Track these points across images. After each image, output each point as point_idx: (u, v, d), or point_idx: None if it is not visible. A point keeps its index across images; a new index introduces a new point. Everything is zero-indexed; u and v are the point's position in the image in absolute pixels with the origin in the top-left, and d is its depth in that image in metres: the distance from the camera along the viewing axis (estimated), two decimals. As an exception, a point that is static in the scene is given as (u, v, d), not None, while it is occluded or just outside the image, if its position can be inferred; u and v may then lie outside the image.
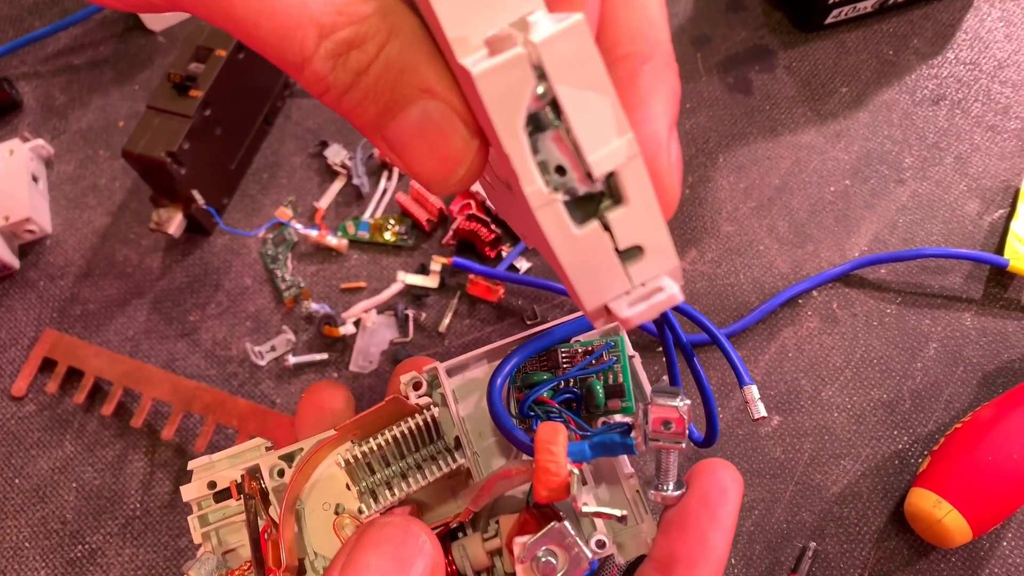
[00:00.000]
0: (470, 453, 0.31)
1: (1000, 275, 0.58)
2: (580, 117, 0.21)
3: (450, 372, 0.32)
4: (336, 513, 0.31)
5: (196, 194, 0.61)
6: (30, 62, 0.76)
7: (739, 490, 0.29)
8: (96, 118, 0.72)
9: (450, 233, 0.62)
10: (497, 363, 0.30)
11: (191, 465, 0.32)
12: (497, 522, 0.30)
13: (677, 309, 0.33)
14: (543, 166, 0.21)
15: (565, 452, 0.27)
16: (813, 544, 0.52)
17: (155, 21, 0.75)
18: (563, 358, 0.30)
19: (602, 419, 0.30)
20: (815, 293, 0.59)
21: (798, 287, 0.59)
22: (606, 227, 0.22)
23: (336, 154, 0.67)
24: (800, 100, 0.66)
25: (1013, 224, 0.59)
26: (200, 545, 0.32)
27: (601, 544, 0.27)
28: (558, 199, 0.21)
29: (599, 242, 0.22)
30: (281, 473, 0.31)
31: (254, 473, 0.31)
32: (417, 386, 0.29)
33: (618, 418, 0.30)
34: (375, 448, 0.27)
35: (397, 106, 0.23)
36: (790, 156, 0.64)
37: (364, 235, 0.64)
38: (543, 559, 0.27)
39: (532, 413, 0.29)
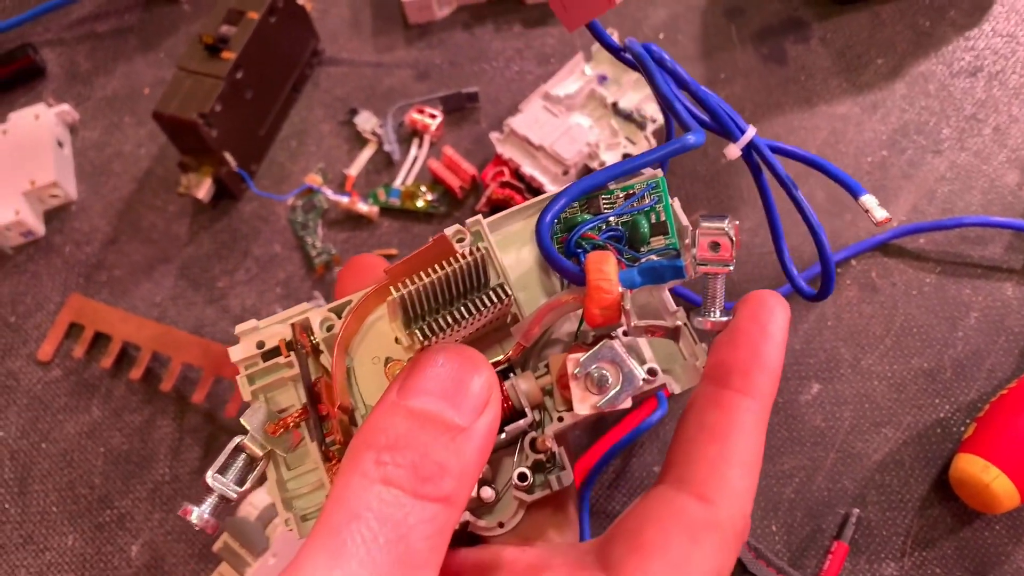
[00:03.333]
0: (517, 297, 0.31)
1: (1041, 245, 0.58)
2: None
3: (491, 228, 0.32)
4: (386, 364, 0.31)
5: (228, 156, 0.60)
6: (54, 29, 0.75)
7: (786, 312, 0.29)
8: (121, 85, 0.72)
9: (483, 200, 0.61)
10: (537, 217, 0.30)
11: (237, 330, 0.32)
12: (547, 365, 0.30)
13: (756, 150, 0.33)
14: None
15: (616, 272, 0.27)
16: (856, 511, 0.51)
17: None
18: (604, 204, 0.31)
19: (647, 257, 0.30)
20: (853, 262, 0.59)
21: (836, 256, 0.58)
22: None
23: (366, 121, 0.66)
24: (835, 71, 0.66)
25: (1054, 194, 0.58)
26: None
27: (653, 371, 0.27)
28: None
29: None
30: (331, 328, 0.30)
31: (305, 327, 0.31)
32: (460, 240, 0.29)
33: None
34: (427, 285, 0.27)
35: None
36: (826, 127, 0.64)
37: (395, 202, 0.63)
38: (596, 374, 0.27)
39: (579, 249, 0.30)
